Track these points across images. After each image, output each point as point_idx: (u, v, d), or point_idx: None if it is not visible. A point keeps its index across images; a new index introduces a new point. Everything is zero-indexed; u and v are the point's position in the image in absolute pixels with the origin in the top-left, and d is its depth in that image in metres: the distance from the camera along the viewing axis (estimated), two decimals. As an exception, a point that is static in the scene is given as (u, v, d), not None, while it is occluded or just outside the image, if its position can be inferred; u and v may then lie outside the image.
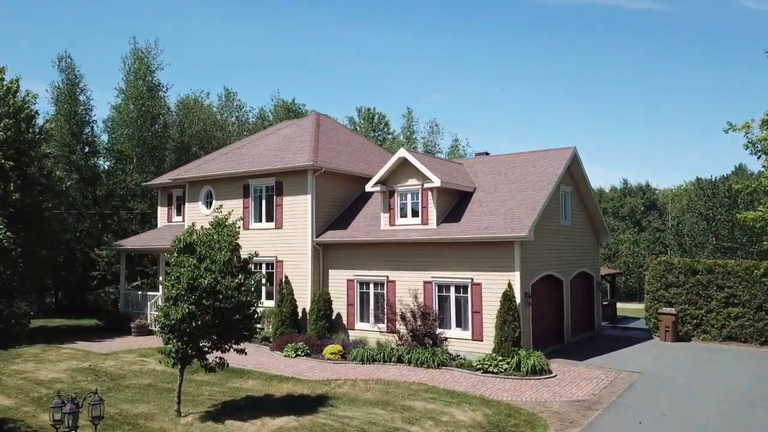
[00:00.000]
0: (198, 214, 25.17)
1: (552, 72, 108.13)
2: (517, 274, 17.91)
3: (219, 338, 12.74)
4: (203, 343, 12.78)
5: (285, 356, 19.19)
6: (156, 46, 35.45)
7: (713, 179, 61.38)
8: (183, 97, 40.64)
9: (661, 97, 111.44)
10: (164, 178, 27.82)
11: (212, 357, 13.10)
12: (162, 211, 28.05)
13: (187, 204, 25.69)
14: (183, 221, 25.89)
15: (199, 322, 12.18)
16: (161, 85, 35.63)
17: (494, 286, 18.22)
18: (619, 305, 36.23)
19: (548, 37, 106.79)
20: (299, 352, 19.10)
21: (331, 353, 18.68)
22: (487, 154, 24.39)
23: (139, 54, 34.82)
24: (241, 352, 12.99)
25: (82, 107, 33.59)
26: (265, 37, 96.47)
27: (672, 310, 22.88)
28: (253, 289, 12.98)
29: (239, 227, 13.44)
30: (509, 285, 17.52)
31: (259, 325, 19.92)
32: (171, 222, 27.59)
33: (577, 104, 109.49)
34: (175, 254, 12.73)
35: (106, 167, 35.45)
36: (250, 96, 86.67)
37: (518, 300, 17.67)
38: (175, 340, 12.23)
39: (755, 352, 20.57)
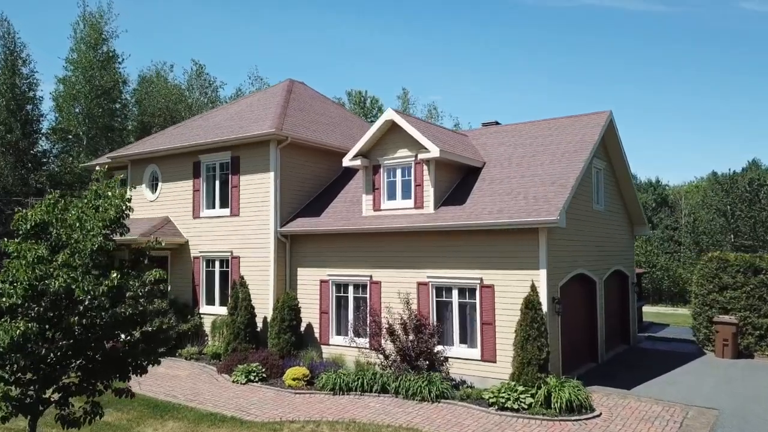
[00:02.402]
0: (142, 201, 20.46)
1: (554, 73, 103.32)
2: (543, 272, 13.23)
3: (85, 375, 8.02)
4: (67, 380, 8.08)
5: (233, 382, 14.48)
6: (109, 10, 30.71)
7: (731, 173, 56.69)
8: (143, 71, 35.84)
9: (661, 98, 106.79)
10: (104, 158, 23.11)
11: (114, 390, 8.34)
12: (104, 198, 23.35)
13: (129, 188, 20.99)
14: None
15: (45, 351, 7.50)
16: (116, 56, 30.84)
17: (511, 288, 13.56)
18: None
19: (548, 38, 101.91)
20: (252, 377, 14.39)
21: (294, 379, 13.97)
22: (497, 123, 19.69)
23: (90, 19, 30.03)
24: (125, 394, 8.22)
25: (24, 80, 28.84)
26: (261, 38, 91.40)
27: (732, 319, 18.19)
28: (143, 293, 8.22)
29: (129, 197, 8.70)
30: (533, 287, 12.85)
31: (185, 347, 14.90)
32: (114, 211, 22.83)
33: (579, 104, 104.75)
34: (17, 240, 8.03)
35: (55, 150, 30.65)
36: (231, 84, 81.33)
37: (545, 308, 12.99)
38: (4, 380, 7.52)
39: None
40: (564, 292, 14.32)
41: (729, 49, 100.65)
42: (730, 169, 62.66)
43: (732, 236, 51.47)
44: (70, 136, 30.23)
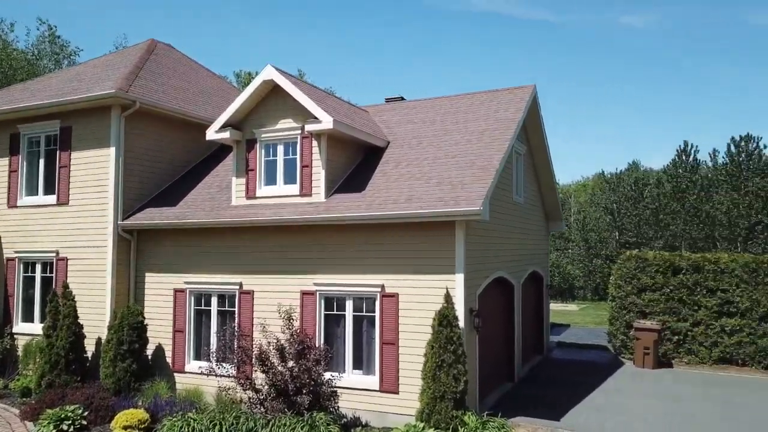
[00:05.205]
0: (-61, 183, 15.48)
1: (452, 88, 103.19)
2: (460, 277, 10.40)
3: None
4: None
5: (38, 434, 10.39)
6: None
7: (617, 172, 58.29)
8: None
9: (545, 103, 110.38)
10: None
11: None
12: None
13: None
14: None
15: None
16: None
17: (420, 298, 10.64)
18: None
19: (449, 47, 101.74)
20: (66, 426, 10.34)
21: (126, 427, 10.14)
22: (402, 99, 16.74)
23: None
24: None
25: None
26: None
27: (654, 325, 16.48)
28: None
29: None
30: (447, 297, 9.99)
31: None
32: None
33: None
34: None
35: None
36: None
37: (461, 323, 10.17)
38: None
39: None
40: (481, 300, 11.60)
41: (610, 59, 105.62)
42: (617, 169, 64.70)
43: (617, 233, 52.56)
44: None
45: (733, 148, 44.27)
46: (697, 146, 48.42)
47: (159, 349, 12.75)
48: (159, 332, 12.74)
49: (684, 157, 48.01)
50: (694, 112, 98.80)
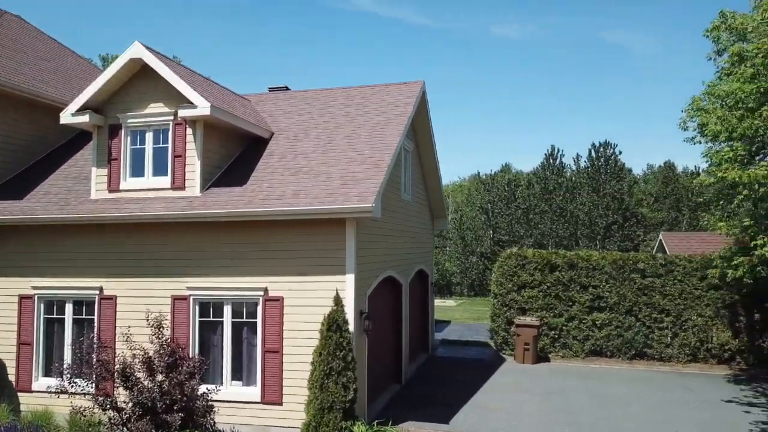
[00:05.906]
0: None
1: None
2: (350, 278, 9.83)
3: None
4: None
5: None
6: None
7: (492, 173, 61.12)
8: None
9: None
10: None
11: None
12: None
13: None
14: None
15: None
16: None
17: (307, 301, 9.93)
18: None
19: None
20: None
21: (-48, 463, 8.46)
22: (287, 89, 15.84)
23: None
24: None
25: None
26: None
27: (534, 321, 16.97)
28: None
29: None
30: (337, 299, 9.37)
31: None
32: None
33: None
34: None
35: None
36: None
37: (351, 327, 9.60)
38: None
39: (641, 373, 15.46)
40: (371, 301, 11.10)
41: (486, 65, 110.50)
42: (491, 170, 67.96)
43: (492, 232, 55.04)
44: None
45: (593, 153, 48.04)
46: (562, 150, 51.76)
47: (-2, 366, 10.92)
48: (0, 346, 10.91)
49: (551, 161, 51.44)
50: (560, 117, 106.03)
